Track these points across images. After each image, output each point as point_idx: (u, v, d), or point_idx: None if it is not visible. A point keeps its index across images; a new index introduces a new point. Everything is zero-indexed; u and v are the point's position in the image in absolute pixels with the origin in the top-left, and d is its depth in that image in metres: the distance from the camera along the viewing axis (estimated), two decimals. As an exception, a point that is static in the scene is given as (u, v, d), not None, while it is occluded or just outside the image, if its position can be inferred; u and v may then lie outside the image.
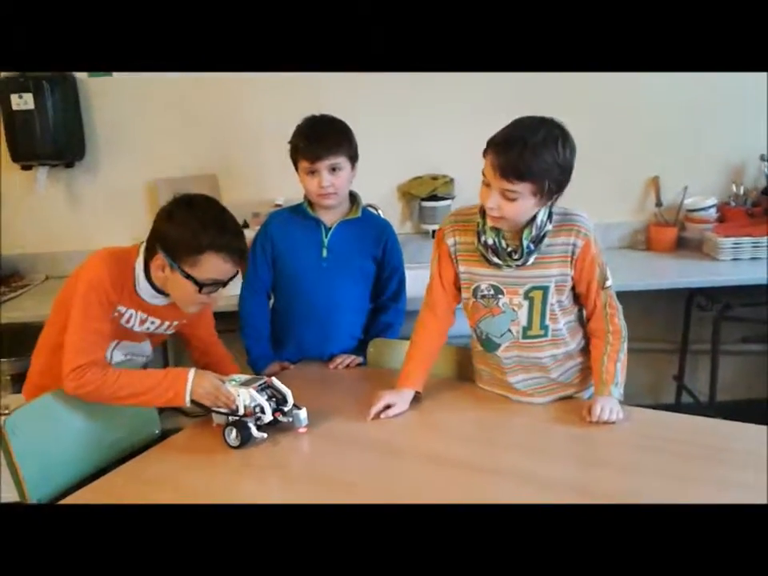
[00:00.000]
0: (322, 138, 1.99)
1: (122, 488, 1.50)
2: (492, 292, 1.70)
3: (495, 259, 1.66)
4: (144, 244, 1.71)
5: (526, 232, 1.61)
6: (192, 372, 1.62)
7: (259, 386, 1.64)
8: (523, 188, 1.51)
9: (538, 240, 1.62)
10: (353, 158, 2.05)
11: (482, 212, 1.66)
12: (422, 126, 2.99)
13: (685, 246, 2.99)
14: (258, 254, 2.15)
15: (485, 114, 2.97)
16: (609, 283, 1.69)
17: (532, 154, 1.48)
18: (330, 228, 2.09)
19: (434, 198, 2.97)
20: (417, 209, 3.05)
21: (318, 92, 2.69)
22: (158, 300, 1.74)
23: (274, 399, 1.64)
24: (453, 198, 2.99)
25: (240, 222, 2.83)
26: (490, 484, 1.44)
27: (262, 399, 1.60)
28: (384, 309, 2.19)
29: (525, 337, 1.70)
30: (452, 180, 3.01)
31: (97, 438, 1.70)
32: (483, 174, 1.57)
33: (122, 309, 1.71)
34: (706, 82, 2.84)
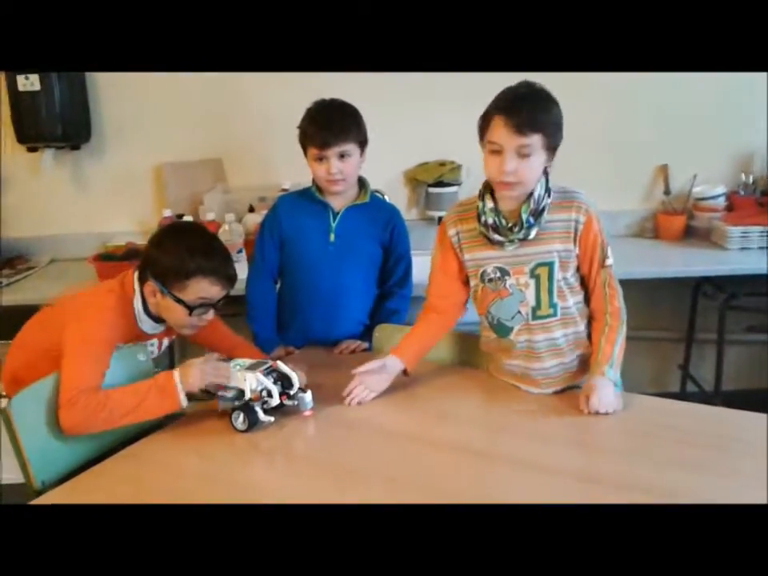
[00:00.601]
0: (331, 125, 1.98)
1: (126, 472, 1.50)
2: (498, 274, 1.70)
3: (497, 237, 1.66)
4: (137, 273, 1.76)
5: (524, 206, 1.62)
6: (176, 373, 1.61)
7: (265, 369, 1.64)
8: (536, 140, 1.55)
9: (536, 214, 1.63)
10: (362, 144, 2.04)
11: (481, 195, 1.68)
12: (429, 112, 2.96)
13: (693, 234, 2.97)
14: (265, 238, 2.15)
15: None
16: (609, 262, 1.68)
17: (541, 106, 1.57)
18: (338, 212, 2.09)
19: (440, 184, 2.95)
20: (423, 195, 3.04)
21: (324, 76, 2.65)
22: (159, 329, 1.81)
23: (279, 383, 1.64)
24: (460, 185, 2.97)
25: (246, 206, 2.87)
26: (493, 471, 1.44)
27: (268, 383, 1.60)
28: (390, 295, 2.18)
29: (535, 317, 1.69)
30: (459, 166, 2.98)
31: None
32: (491, 143, 1.59)
33: (122, 345, 1.74)
34: (717, 69, 2.81)
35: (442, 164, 2.97)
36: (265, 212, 2.24)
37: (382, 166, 2.81)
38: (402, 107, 2.94)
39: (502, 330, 1.74)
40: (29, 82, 2.72)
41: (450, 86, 2.92)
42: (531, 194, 1.62)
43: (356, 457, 1.52)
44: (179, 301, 1.68)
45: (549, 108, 1.57)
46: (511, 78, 2.73)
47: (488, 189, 1.68)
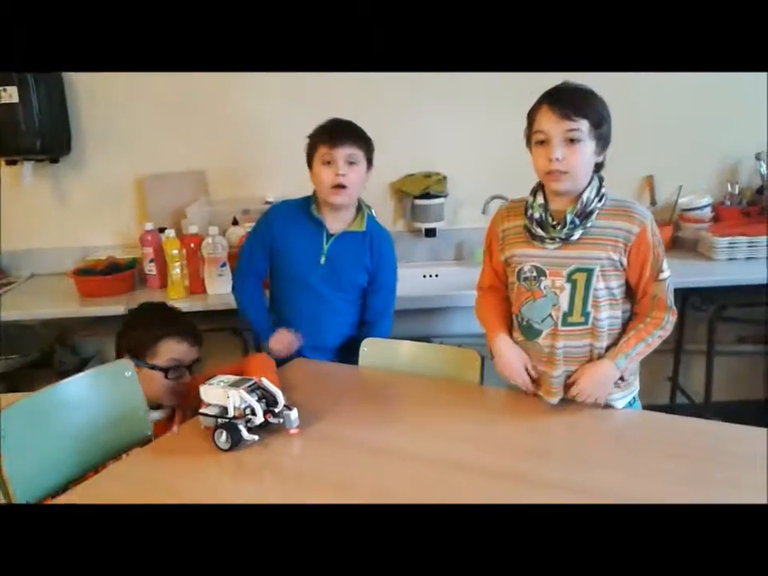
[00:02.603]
0: (343, 129, 2.01)
1: (110, 490, 1.46)
2: (534, 274, 1.68)
3: (540, 231, 1.65)
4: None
5: (570, 207, 1.61)
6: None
7: (249, 386, 1.60)
8: (583, 126, 1.56)
9: (583, 216, 1.61)
10: (369, 160, 2.05)
11: (533, 192, 1.68)
12: (414, 123, 2.96)
13: (679, 245, 2.97)
14: (255, 240, 2.15)
15: (478, 112, 2.98)
16: (664, 276, 1.65)
17: (584, 95, 1.59)
18: (332, 235, 2.07)
19: (426, 195, 2.94)
20: (409, 206, 3.02)
21: (308, 89, 2.64)
22: (156, 414, 1.84)
23: (264, 400, 1.60)
24: (446, 196, 2.96)
25: (229, 218, 2.84)
26: (478, 483, 1.40)
27: (252, 400, 1.56)
28: (369, 325, 2.17)
29: (565, 323, 1.67)
30: (445, 178, 2.98)
31: (86, 439, 1.65)
32: (538, 132, 1.59)
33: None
34: (701, 80, 2.82)
35: (428, 176, 2.96)
36: (249, 225, 2.21)
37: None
38: (388, 119, 2.91)
39: (530, 332, 1.72)
40: (7, 94, 2.68)
41: (436, 98, 2.92)
42: (581, 194, 1.61)
43: (343, 475, 1.48)
44: (153, 367, 1.80)
45: (592, 98, 1.59)
46: (500, 82, 2.72)
47: (541, 186, 1.68)
